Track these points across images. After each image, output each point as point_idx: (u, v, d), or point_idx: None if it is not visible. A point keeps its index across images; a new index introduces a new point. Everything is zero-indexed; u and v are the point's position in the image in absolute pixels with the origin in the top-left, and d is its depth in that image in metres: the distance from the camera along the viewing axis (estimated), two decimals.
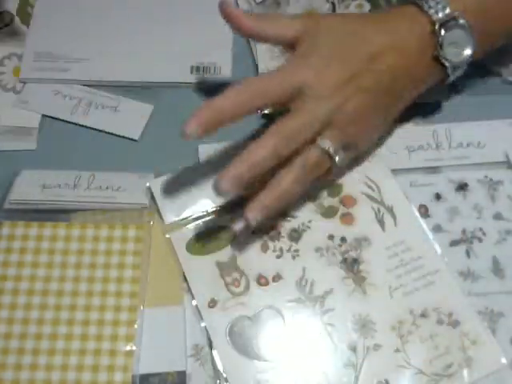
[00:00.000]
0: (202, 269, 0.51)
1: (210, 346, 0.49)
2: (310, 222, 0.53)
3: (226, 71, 0.61)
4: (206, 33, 0.63)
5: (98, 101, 0.59)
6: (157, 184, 0.55)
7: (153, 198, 0.54)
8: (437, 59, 0.50)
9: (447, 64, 0.50)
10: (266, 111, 0.59)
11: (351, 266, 0.51)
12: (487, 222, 0.53)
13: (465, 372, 0.47)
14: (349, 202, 0.54)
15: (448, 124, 0.58)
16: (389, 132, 0.56)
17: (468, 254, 0.52)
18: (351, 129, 0.48)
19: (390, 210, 0.53)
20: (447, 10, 0.49)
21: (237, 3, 0.65)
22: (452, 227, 0.53)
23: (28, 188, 0.54)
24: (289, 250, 0.52)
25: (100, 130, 0.58)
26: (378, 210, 0.53)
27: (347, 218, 0.53)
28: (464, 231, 0.53)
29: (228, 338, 0.49)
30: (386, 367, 0.48)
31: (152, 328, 0.49)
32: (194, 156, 0.57)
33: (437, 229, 0.53)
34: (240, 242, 0.52)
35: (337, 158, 0.48)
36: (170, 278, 0.51)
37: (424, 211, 0.54)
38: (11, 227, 0.52)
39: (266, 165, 0.46)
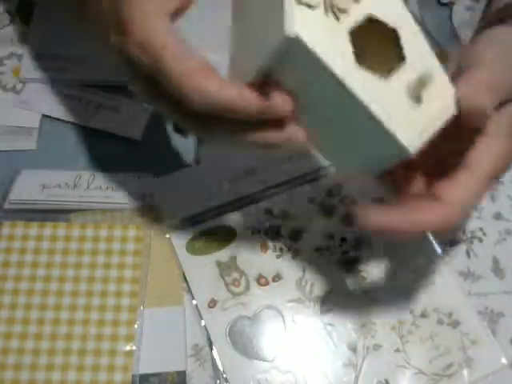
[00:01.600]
0: (202, 269, 0.51)
1: (210, 346, 0.49)
2: (310, 221, 0.53)
3: (225, 71, 0.61)
4: (205, 33, 0.63)
5: (97, 101, 0.59)
6: (157, 184, 0.55)
7: (153, 198, 0.54)
8: None
9: None
10: None
11: (351, 265, 0.51)
12: (487, 222, 0.53)
13: (465, 372, 0.47)
14: (349, 201, 0.54)
15: None
16: None
17: (468, 253, 0.52)
18: None
19: None
20: None
21: None
22: None
23: (28, 188, 0.54)
24: (289, 250, 0.52)
25: (100, 130, 0.58)
26: None
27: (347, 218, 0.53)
28: (464, 231, 0.53)
29: (228, 338, 0.49)
30: (386, 367, 0.48)
31: (152, 328, 0.49)
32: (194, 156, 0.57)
33: None
34: (240, 241, 0.52)
35: None
36: (170, 278, 0.51)
37: None
38: (11, 227, 0.52)
39: None
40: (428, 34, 0.62)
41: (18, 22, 0.64)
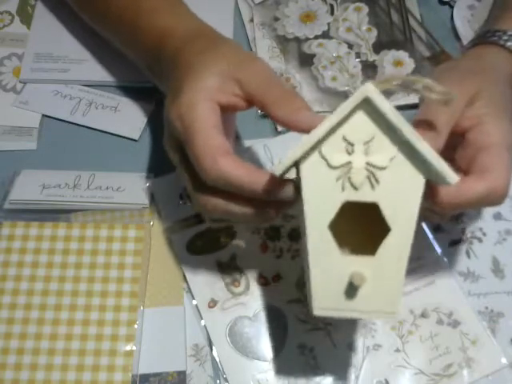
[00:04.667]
0: (202, 269, 0.51)
1: (210, 346, 0.49)
2: None
3: None
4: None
5: (98, 101, 0.59)
6: (157, 184, 0.55)
7: (153, 198, 0.54)
8: None
9: None
10: None
11: None
12: (487, 222, 0.53)
13: (465, 372, 0.47)
14: None
15: None
16: None
17: (468, 254, 0.52)
18: None
19: None
20: None
21: (237, 3, 0.65)
22: (452, 227, 0.53)
23: (28, 188, 0.54)
24: (289, 250, 0.52)
25: (100, 130, 0.58)
26: None
27: None
28: (464, 231, 0.53)
29: (228, 338, 0.49)
30: (385, 367, 0.48)
31: (152, 328, 0.49)
32: None
33: (437, 229, 0.53)
34: (240, 241, 0.52)
35: None
36: (170, 277, 0.51)
37: None
38: (11, 227, 0.52)
39: None
40: (428, 33, 0.62)
41: (18, 22, 0.64)
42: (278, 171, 0.36)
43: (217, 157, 0.39)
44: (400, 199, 0.36)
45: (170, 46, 0.47)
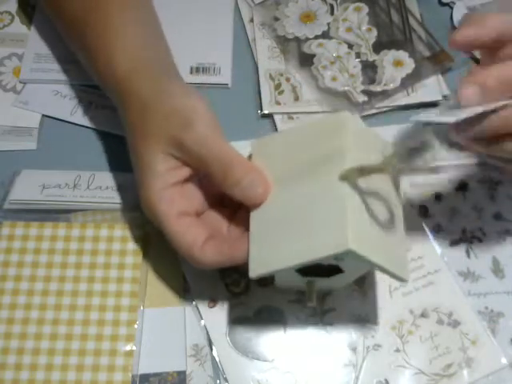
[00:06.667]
0: (202, 269, 0.51)
1: (210, 346, 0.49)
2: None
3: (225, 72, 0.61)
4: (206, 33, 0.63)
5: (97, 101, 0.59)
6: None
7: None
8: None
9: None
10: (265, 111, 0.59)
11: None
12: (487, 222, 0.53)
13: (465, 372, 0.47)
14: None
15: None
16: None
17: (468, 253, 0.52)
18: None
19: None
20: None
21: (237, 3, 0.65)
22: (452, 227, 0.53)
23: (28, 188, 0.54)
24: None
25: (100, 130, 0.58)
26: None
27: None
28: (464, 231, 0.53)
29: (228, 338, 0.49)
30: (385, 367, 0.48)
31: (152, 328, 0.49)
32: None
33: (437, 229, 0.53)
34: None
35: None
36: (170, 278, 0.51)
37: (424, 211, 0.54)
38: (11, 227, 0.52)
39: None
40: (428, 33, 0.62)
41: (18, 22, 0.64)
42: (252, 275, 0.42)
43: (191, 253, 0.43)
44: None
45: (112, 87, 0.49)
